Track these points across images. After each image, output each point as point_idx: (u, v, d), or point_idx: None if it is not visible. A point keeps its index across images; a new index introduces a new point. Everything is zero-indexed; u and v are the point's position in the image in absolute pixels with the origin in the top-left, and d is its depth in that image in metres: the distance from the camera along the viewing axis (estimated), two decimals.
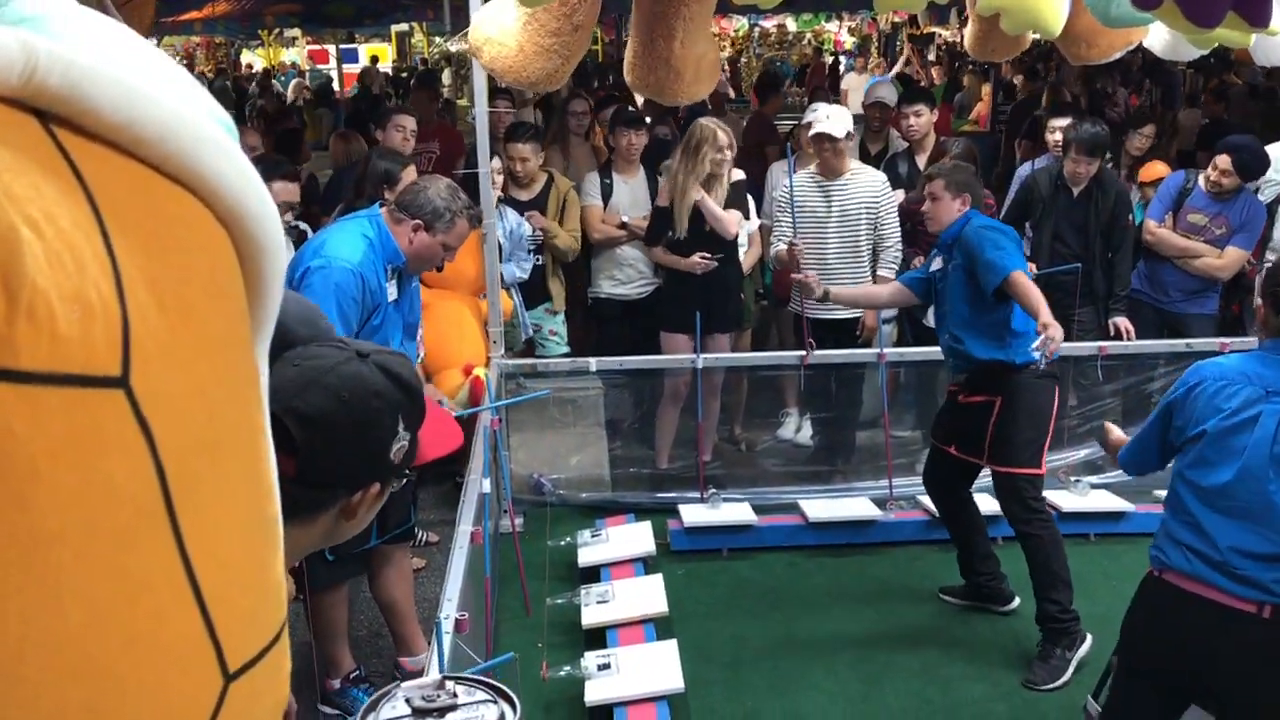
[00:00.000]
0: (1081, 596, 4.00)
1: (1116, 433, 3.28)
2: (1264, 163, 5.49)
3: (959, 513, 4.32)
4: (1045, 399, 4.00)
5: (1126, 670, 2.88)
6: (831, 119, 5.14)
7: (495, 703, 1.87)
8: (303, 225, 4.44)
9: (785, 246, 5.25)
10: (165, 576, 0.47)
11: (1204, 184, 5.50)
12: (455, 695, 1.87)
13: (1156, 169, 6.12)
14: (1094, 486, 5.06)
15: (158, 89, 0.52)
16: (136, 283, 0.47)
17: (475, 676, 1.98)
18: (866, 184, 5.29)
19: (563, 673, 3.62)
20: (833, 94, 11.43)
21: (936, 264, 4.21)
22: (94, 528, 0.44)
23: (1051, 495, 4.97)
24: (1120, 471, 3.40)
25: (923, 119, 5.91)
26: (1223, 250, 5.45)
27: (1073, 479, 5.10)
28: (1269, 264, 5.59)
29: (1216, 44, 2.88)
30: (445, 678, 1.92)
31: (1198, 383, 2.71)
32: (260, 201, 0.57)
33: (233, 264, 0.56)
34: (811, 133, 5.19)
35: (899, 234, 5.36)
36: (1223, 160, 5.37)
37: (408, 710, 1.84)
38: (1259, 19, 1.99)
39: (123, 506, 0.45)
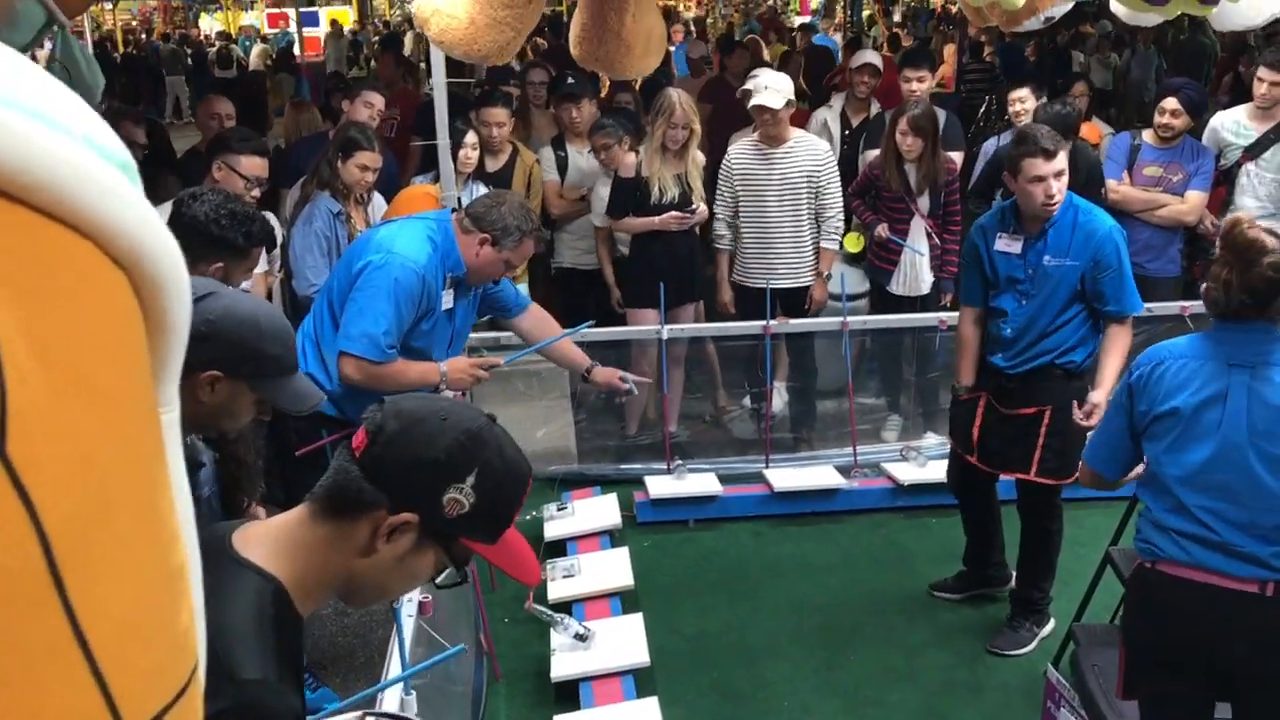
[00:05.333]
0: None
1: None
2: (1205, 96, 5.70)
3: (985, 516, 4.15)
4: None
5: (1142, 669, 2.73)
6: (769, 90, 5.05)
7: None
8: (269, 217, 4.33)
9: (727, 243, 5.34)
10: (52, 650, 0.45)
11: (1150, 137, 5.57)
12: None
13: (1095, 131, 6.20)
14: (930, 458, 5.02)
15: (42, 130, 0.49)
16: (17, 344, 0.45)
17: (396, 714, 1.97)
18: (808, 152, 5.24)
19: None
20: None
21: (1014, 247, 3.74)
22: None
23: (891, 468, 5.03)
24: None
25: (926, 83, 5.79)
26: (1184, 196, 5.50)
27: (912, 451, 5.11)
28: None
29: (1179, 11, 2.88)
30: (365, 714, 1.90)
31: (1159, 362, 2.65)
32: (159, 240, 0.55)
33: (130, 308, 0.54)
34: (750, 104, 5.15)
35: (840, 203, 5.31)
36: (1169, 102, 5.46)
37: None
38: None
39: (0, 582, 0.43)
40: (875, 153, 5.60)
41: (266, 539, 1.38)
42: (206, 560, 1.38)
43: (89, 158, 0.51)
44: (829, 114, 6.36)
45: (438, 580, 1.45)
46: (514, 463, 1.41)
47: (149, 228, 0.54)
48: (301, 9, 21.79)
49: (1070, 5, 3.32)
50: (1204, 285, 2.69)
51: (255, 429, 2.46)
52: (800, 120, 6.08)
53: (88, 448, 0.48)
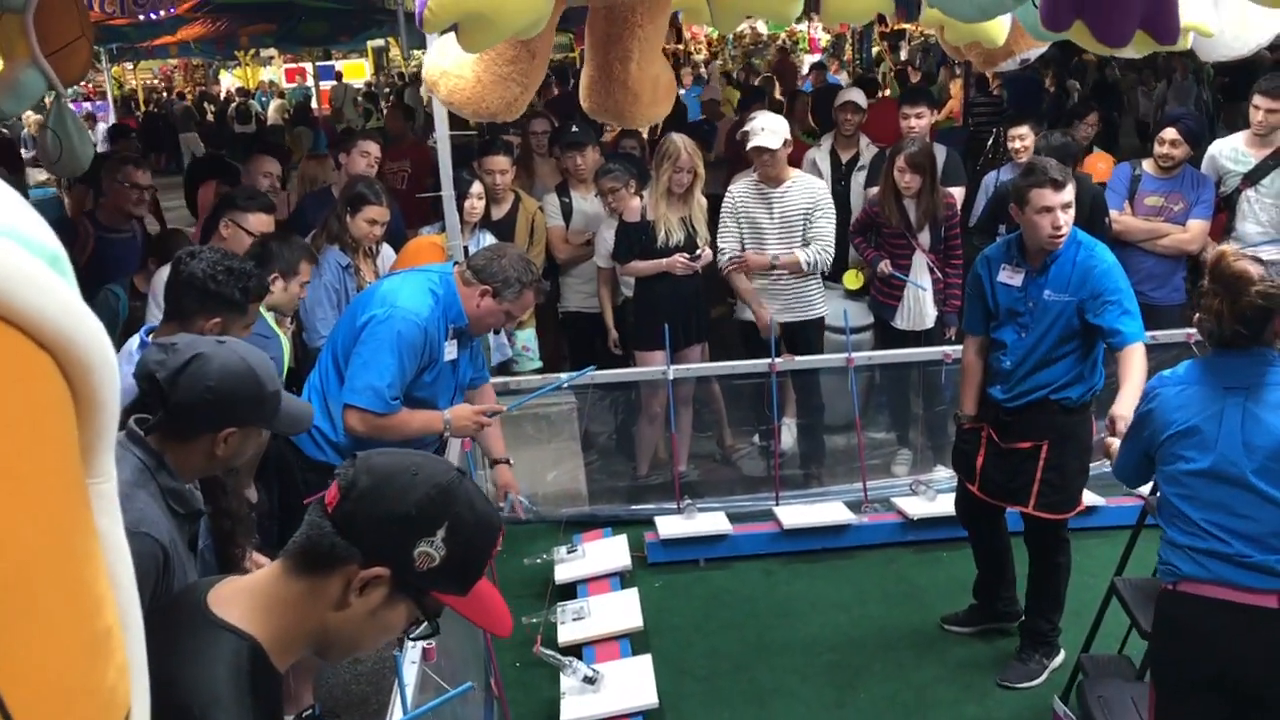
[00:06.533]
0: None
1: (1115, 444, 3.27)
2: (1204, 127, 5.65)
3: (995, 545, 4.14)
4: (1089, 433, 3.86)
5: (1170, 697, 2.76)
6: (767, 131, 5.15)
7: None
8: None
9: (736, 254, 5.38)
10: None
11: (1151, 166, 5.60)
12: None
13: (1102, 166, 6.22)
14: (940, 492, 5.00)
15: None
16: None
17: None
18: (805, 191, 5.32)
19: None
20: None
21: (1015, 279, 3.79)
22: None
23: (901, 502, 5.03)
24: None
25: (924, 120, 5.84)
26: (1185, 225, 5.51)
27: (921, 485, 5.11)
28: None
29: (1146, 51, 2.93)
30: None
31: (1159, 390, 2.77)
32: (83, 325, 0.59)
33: (53, 388, 0.58)
34: (749, 146, 5.23)
35: (829, 234, 5.31)
36: (1169, 133, 5.50)
37: None
38: (1166, 37, 2.03)
39: None
40: (876, 190, 5.66)
41: (242, 597, 1.42)
42: (183, 621, 1.43)
43: (9, 249, 0.56)
44: (818, 153, 6.41)
45: (411, 634, 1.49)
46: (484, 515, 1.44)
47: (73, 314, 0.59)
48: (319, 63, 22.17)
49: (1046, 47, 3.37)
50: (1196, 316, 2.74)
51: (252, 478, 2.51)
52: (797, 155, 6.14)
53: (6, 529, 0.52)
